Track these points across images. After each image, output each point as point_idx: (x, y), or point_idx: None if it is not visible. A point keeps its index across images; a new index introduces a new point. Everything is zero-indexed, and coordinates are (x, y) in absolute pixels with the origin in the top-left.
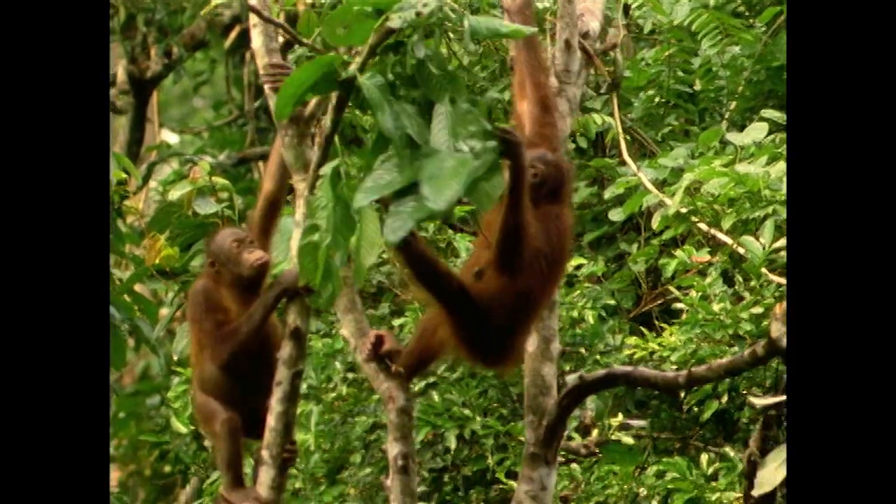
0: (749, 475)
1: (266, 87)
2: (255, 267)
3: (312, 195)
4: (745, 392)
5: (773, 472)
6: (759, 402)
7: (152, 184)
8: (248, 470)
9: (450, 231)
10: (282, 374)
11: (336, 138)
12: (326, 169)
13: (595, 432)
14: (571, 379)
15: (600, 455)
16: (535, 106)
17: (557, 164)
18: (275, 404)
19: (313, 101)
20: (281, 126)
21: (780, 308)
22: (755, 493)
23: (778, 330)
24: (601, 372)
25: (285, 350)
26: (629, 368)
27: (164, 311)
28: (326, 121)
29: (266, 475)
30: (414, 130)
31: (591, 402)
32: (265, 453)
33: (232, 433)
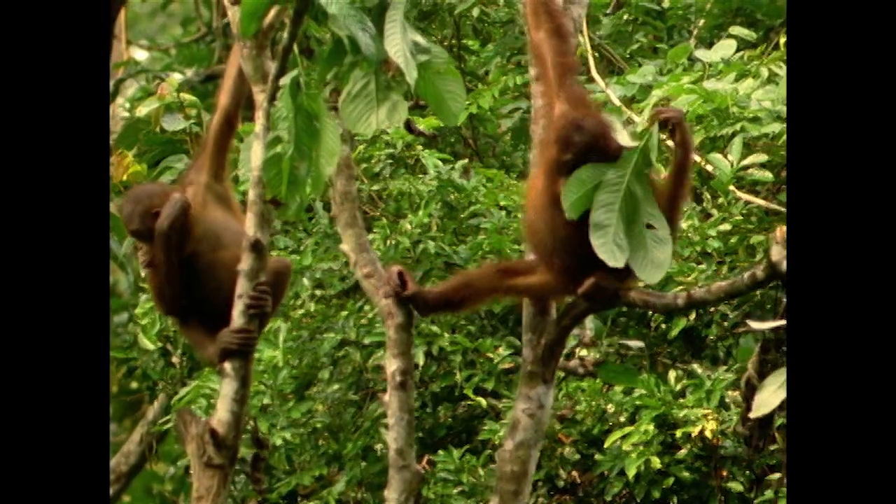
0: (747, 398)
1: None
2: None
3: (272, 106)
4: (712, 310)
5: (771, 395)
6: (759, 325)
7: (120, 100)
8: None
9: (419, 147)
10: (242, 286)
11: (295, 48)
12: (286, 80)
13: (591, 351)
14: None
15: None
16: (551, 35)
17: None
18: (236, 317)
19: (272, 13)
20: (240, 38)
21: (781, 231)
22: (753, 415)
23: (778, 253)
24: None
25: (245, 262)
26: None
27: None
28: (285, 32)
29: (228, 387)
30: (374, 42)
31: (590, 322)
32: (227, 366)
33: None
